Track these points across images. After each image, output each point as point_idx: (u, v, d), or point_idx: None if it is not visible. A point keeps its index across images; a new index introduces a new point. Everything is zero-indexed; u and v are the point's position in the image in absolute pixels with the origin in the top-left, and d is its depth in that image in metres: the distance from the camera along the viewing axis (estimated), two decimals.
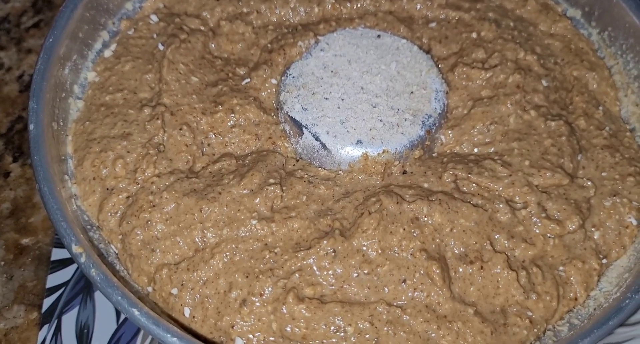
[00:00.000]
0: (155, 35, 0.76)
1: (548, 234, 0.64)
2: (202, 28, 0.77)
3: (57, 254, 0.79)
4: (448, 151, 0.71)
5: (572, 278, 0.63)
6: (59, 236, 0.58)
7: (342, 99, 0.69)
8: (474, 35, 0.77)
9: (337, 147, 0.67)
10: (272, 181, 0.65)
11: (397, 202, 0.63)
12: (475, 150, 0.70)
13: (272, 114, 0.71)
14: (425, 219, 0.63)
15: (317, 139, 0.67)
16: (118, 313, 0.74)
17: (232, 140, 0.69)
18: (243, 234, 0.62)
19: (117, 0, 0.78)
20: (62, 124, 0.69)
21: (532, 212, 0.65)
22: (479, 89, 0.73)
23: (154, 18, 0.77)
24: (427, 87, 0.71)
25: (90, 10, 0.74)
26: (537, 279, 0.62)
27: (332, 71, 0.71)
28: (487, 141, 0.70)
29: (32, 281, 0.78)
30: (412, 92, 0.70)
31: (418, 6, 0.79)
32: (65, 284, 0.76)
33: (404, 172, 0.68)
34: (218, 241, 0.62)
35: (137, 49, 0.75)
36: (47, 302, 0.75)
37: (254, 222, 0.62)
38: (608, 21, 0.78)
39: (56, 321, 0.74)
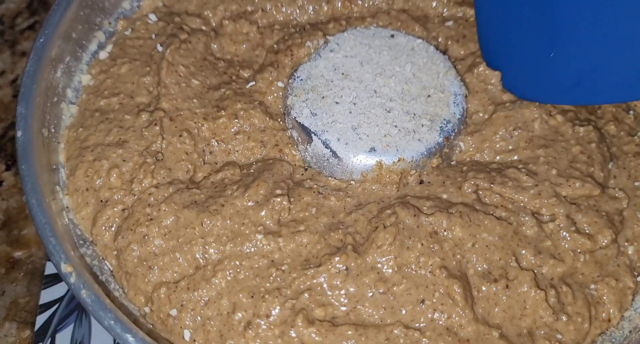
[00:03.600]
0: (153, 36, 0.71)
1: (578, 250, 0.59)
2: (203, 28, 0.72)
3: (51, 268, 0.75)
4: (468, 159, 0.66)
5: (604, 297, 0.59)
6: (48, 254, 0.53)
7: (354, 104, 0.64)
8: None
9: (348, 155, 0.62)
10: (278, 191, 0.60)
11: (415, 215, 0.58)
12: (498, 158, 0.65)
13: (279, 120, 0.67)
14: (445, 233, 0.58)
15: (327, 146, 0.62)
16: None
17: (235, 147, 0.65)
18: (248, 250, 0.58)
19: None
20: (53, 130, 0.64)
21: (561, 225, 0.60)
22: (500, 92, 0.68)
23: (153, 17, 0.73)
24: (445, 91, 0.66)
25: (84, 9, 0.70)
26: (567, 299, 0.57)
27: (342, 73, 0.66)
28: (510, 148, 0.65)
29: (24, 297, 0.74)
30: (429, 96, 0.65)
31: (433, 4, 0.75)
32: (60, 300, 0.73)
33: (421, 182, 0.63)
34: (221, 258, 0.57)
35: (135, 51, 0.70)
36: (41, 319, 0.72)
37: (259, 237, 0.58)
38: None
39: (50, 339, 0.71)
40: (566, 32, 0.60)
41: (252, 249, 0.58)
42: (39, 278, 0.75)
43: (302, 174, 0.64)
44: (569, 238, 0.59)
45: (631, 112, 0.69)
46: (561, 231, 0.60)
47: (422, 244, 0.57)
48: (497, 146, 0.66)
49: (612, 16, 0.57)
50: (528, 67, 0.65)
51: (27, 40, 0.95)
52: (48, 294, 0.74)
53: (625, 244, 0.61)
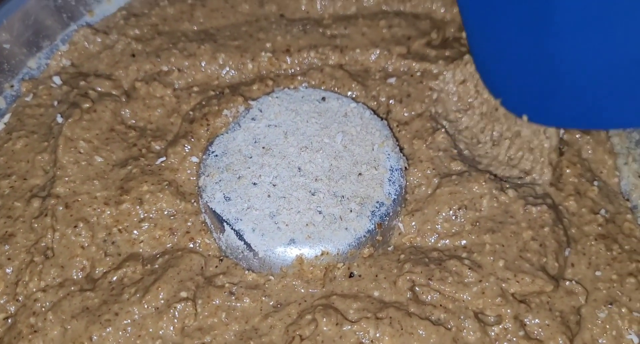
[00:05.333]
0: (55, 103, 0.63)
1: None
2: (113, 92, 0.64)
3: None
4: (407, 244, 0.58)
5: None
6: None
7: (274, 185, 0.56)
8: None
9: (264, 249, 0.54)
10: (183, 294, 0.52)
11: (337, 324, 0.51)
12: (440, 243, 0.57)
13: (192, 201, 0.59)
14: None
15: (240, 238, 0.54)
16: None
17: (140, 237, 0.57)
18: None
19: (19, 56, 0.66)
20: None
21: (508, 329, 0.52)
22: (447, 161, 0.60)
23: (57, 80, 0.65)
24: (380, 166, 0.58)
25: None
26: None
27: (263, 147, 0.58)
28: (454, 230, 0.57)
29: None
30: (360, 174, 0.57)
31: (373, 57, 0.66)
32: None
33: (351, 275, 0.55)
34: None
35: (33, 121, 0.62)
36: None
37: None
38: None
39: None
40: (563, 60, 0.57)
41: None
42: None
43: (216, 267, 0.56)
44: None
45: (596, 182, 0.61)
46: (508, 336, 0.52)
47: None
48: (440, 227, 0.58)
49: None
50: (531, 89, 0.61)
51: None
52: None
53: None
